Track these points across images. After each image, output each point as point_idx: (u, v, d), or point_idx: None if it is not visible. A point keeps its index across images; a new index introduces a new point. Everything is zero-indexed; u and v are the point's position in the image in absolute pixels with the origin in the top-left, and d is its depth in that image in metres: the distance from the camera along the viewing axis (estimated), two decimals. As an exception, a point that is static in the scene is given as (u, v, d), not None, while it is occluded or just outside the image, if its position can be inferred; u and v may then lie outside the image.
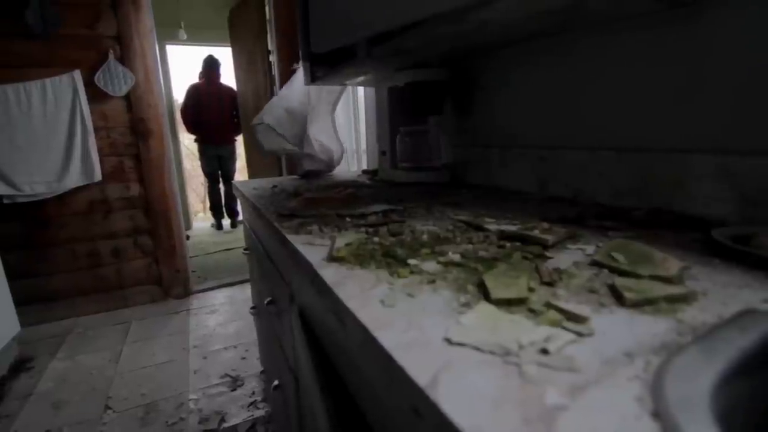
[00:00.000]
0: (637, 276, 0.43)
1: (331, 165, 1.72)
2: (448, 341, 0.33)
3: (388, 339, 0.34)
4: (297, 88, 1.70)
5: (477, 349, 0.32)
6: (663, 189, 0.74)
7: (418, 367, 0.30)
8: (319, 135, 1.67)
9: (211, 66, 4.03)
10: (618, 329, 0.34)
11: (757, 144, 0.63)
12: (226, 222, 4.71)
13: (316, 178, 1.62)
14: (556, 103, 0.96)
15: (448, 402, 0.26)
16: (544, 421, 0.24)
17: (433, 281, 0.46)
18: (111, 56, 2.30)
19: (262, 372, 1.81)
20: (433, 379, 0.28)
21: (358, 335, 0.39)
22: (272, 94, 2.81)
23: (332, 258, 0.54)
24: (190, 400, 1.72)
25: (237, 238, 4.27)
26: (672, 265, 0.45)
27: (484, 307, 0.38)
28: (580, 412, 0.25)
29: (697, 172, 0.69)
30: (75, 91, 2.24)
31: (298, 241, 0.65)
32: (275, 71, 2.70)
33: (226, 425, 1.57)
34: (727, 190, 0.65)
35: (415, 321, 0.37)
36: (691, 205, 0.70)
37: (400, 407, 0.35)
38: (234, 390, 1.78)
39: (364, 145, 2.25)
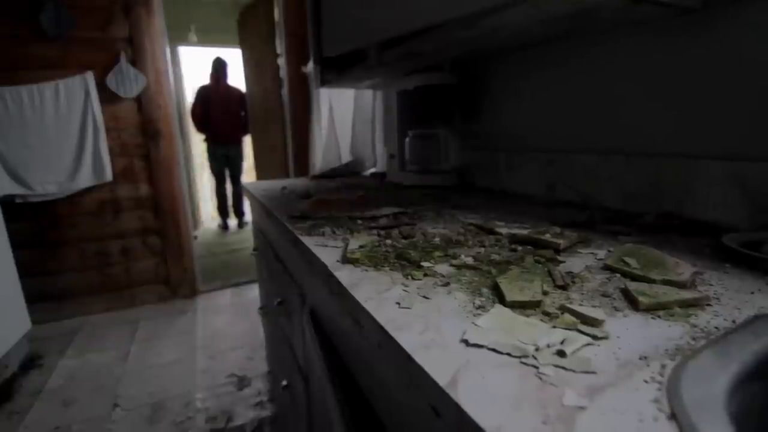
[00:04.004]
0: (650, 280, 0.44)
1: (363, 168, 1.77)
2: (466, 342, 0.34)
3: (406, 340, 0.35)
4: (346, 105, 1.79)
5: (494, 350, 0.33)
6: (673, 194, 0.75)
7: (437, 367, 0.31)
8: (362, 143, 1.76)
9: (218, 68, 4.09)
10: (632, 333, 0.35)
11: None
12: (233, 222, 4.74)
13: (327, 180, 1.63)
14: (565, 107, 0.97)
15: (469, 402, 0.27)
16: (564, 421, 0.25)
17: (447, 284, 0.46)
18: (123, 58, 2.32)
19: (268, 372, 1.82)
20: (452, 380, 0.29)
21: (376, 336, 0.39)
22: (280, 96, 2.82)
23: (346, 259, 0.55)
24: (198, 399, 1.73)
25: (244, 238, 4.29)
26: (684, 269, 0.45)
27: (500, 310, 0.39)
28: (599, 412, 0.25)
29: (708, 177, 0.69)
30: (87, 93, 2.27)
31: (310, 242, 0.66)
32: (283, 73, 2.72)
33: (232, 425, 1.58)
34: (738, 196, 0.66)
35: (432, 322, 0.38)
36: (701, 211, 0.71)
37: (417, 407, 0.36)
38: (241, 390, 1.79)
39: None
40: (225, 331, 2.31)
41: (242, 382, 1.84)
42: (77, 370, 1.97)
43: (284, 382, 1.06)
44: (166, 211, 2.57)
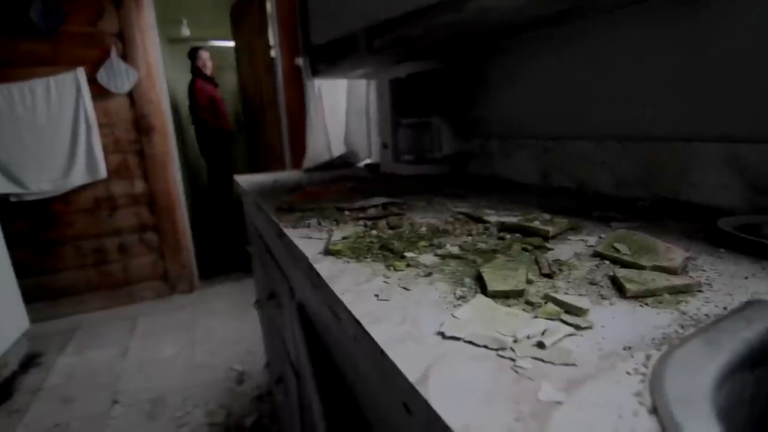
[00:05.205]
0: (640, 267, 0.42)
1: (357, 159, 1.75)
2: (442, 335, 0.32)
3: (380, 333, 0.34)
4: (338, 96, 1.77)
5: (471, 343, 0.31)
6: (669, 178, 0.73)
7: (409, 361, 0.29)
8: (356, 135, 1.74)
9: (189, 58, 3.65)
10: (618, 322, 0.33)
11: (766, 131, 0.61)
12: None
13: (320, 172, 1.61)
14: (560, 92, 0.94)
15: (438, 398, 0.25)
16: (537, 418, 0.23)
17: (429, 274, 0.45)
18: (113, 53, 2.29)
19: (266, 365, 1.81)
20: (423, 375, 0.28)
21: (352, 329, 0.38)
22: (275, 88, 2.79)
23: (328, 251, 0.54)
24: (197, 393, 1.73)
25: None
26: (676, 255, 0.43)
27: (480, 300, 0.37)
28: (576, 407, 0.24)
29: (704, 160, 0.67)
30: (78, 89, 2.24)
31: (295, 234, 0.64)
32: (278, 65, 2.68)
33: (232, 419, 1.58)
34: (736, 179, 0.64)
35: (409, 315, 0.36)
36: (698, 195, 0.69)
37: (393, 403, 0.35)
38: (240, 384, 1.79)
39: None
40: (224, 326, 2.31)
41: (241, 376, 1.84)
42: (76, 368, 1.97)
43: (278, 376, 1.05)
44: (162, 206, 2.55)
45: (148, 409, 1.65)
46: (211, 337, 2.20)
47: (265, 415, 1.58)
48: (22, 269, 2.11)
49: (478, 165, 1.22)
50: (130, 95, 2.39)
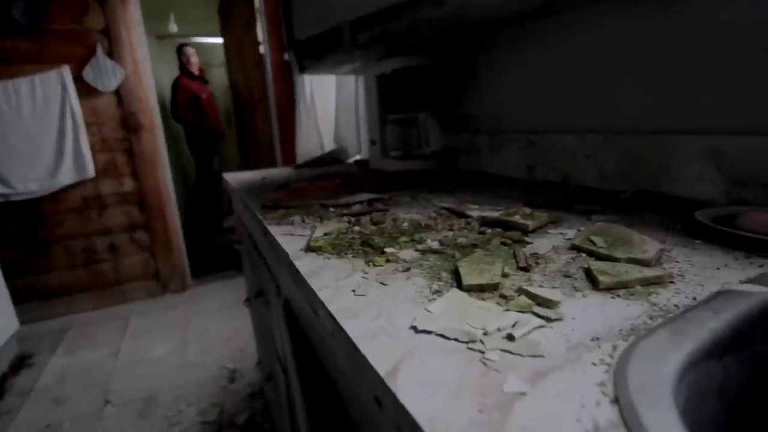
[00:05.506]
0: (614, 259, 0.42)
1: (347, 156, 1.75)
2: (414, 329, 0.32)
3: (355, 328, 0.34)
4: (328, 92, 1.77)
5: (442, 336, 0.31)
6: (650, 171, 0.73)
7: (381, 356, 0.29)
8: (346, 131, 1.73)
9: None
10: (589, 313, 0.34)
11: (743, 124, 0.61)
12: None
13: (309, 168, 1.61)
14: (543, 87, 0.95)
15: (406, 391, 0.26)
16: (501, 409, 0.23)
17: (407, 269, 0.45)
18: (99, 50, 2.26)
19: (258, 363, 1.81)
20: (393, 369, 0.28)
21: (329, 325, 0.38)
22: (264, 85, 2.77)
23: (309, 248, 0.54)
24: (189, 392, 1.73)
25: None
26: (650, 247, 0.44)
27: (455, 294, 0.37)
28: (539, 398, 0.24)
29: (684, 153, 0.68)
30: (64, 87, 2.21)
31: (278, 231, 0.64)
32: (267, 61, 2.66)
33: (224, 417, 1.58)
34: (714, 171, 0.64)
35: (384, 310, 0.37)
36: (679, 187, 0.69)
37: (367, 397, 0.35)
38: (232, 382, 1.79)
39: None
40: (216, 324, 2.30)
41: (233, 374, 1.84)
42: (68, 368, 1.96)
43: (268, 374, 1.05)
44: (152, 205, 2.53)
45: (140, 408, 1.65)
46: (204, 335, 2.20)
47: (258, 413, 1.58)
48: (11, 270, 2.09)
49: (467, 160, 1.22)
50: (117, 93, 2.36)
